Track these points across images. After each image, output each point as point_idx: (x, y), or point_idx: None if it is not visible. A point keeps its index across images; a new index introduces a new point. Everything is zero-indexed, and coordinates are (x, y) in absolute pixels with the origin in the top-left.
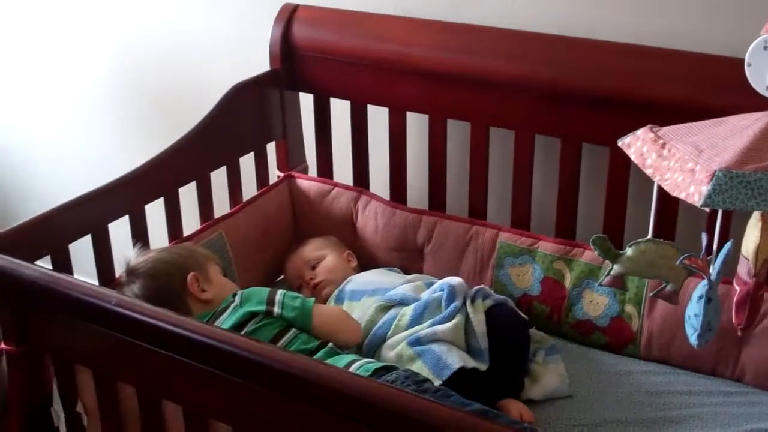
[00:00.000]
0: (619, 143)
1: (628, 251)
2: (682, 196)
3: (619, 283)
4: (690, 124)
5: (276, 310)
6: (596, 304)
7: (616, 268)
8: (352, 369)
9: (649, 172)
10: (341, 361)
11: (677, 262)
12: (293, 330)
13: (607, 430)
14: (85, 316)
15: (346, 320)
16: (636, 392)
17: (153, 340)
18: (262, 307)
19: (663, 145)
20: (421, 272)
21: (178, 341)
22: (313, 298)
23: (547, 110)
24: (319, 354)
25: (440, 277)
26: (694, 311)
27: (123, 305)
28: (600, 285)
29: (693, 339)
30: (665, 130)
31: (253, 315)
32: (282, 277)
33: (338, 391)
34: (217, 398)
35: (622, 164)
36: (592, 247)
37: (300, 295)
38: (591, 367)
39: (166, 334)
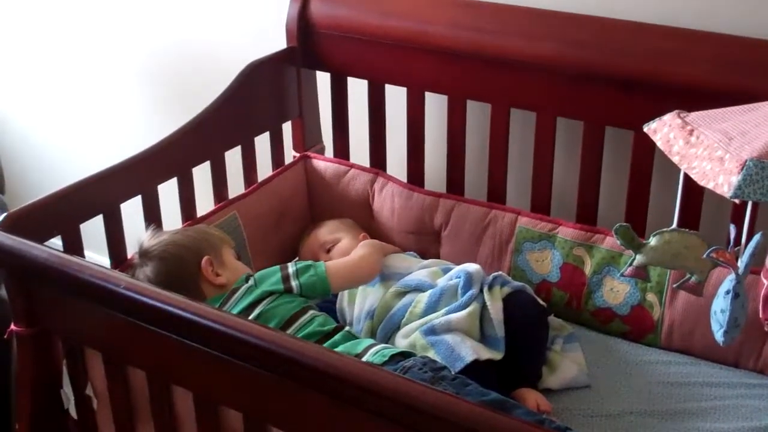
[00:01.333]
0: (645, 129)
1: (652, 241)
2: (710, 186)
3: (642, 273)
4: (719, 110)
5: (293, 284)
6: (617, 291)
7: (639, 259)
8: (368, 354)
9: (675, 159)
10: (358, 346)
11: (704, 256)
12: (311, 312)
13: (625, 421)
14: (95, 298)
15: (360, 268)
16: (656, 383)
17: (163, 325)
18: (279, 287)
19: (691, 132)
20: (437, 256)
21: (188, 326)
22: (322, 262)
23: (570, 92)
24: (336, 337)
25: (457, 262)
26: (720, 307)
27: (132, 289)
28: (622, 275)
29: (719, 336)
30: (693, 116)
31: (270, 294)
32: (296, 259)
33: (349, 381)
34: (228, 385)
35: (646, 149)
36: (614, 235)
37: (309, 261)
38: (610, 356)
39: (176, 318)
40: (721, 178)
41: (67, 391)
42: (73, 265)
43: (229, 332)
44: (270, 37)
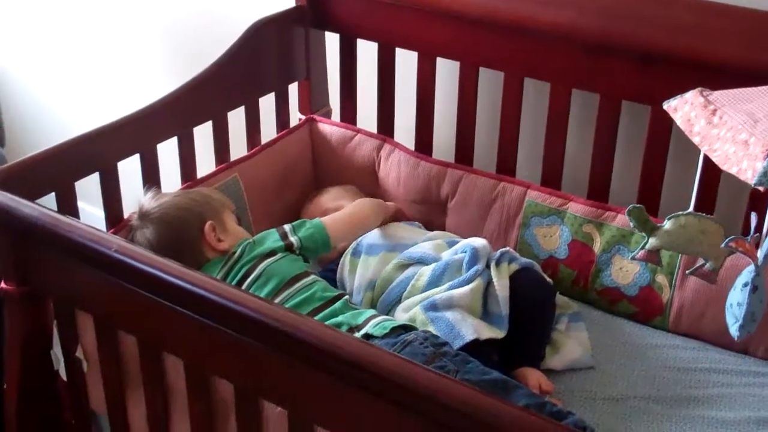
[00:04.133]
0: (665, 106)
1: (667, 224)
2: (733, 171)
3: (654, 257)
4: (745, 89)
5: (292, 239)
6: (626, 271)
7: (652, 242)
8: (369, 325)
9: (696, 140)
10: (359, 316)
11: (723, 245)
12: (312, 276)
13: (628, 405)
14: (86, 260)
15: (355, 216)
16: (661, 367)
17: (154, 291)
18: (279, 243)
19: (714, 112)
20: (443, 227)
21: (179, 293)
22: (318, 218)
23: (587, 63)
24: (336, 305)
25: (463, 234)
26: (737, 299)
27: (124, 252)
28: (633, 258)
29: (733, 330)
30: (717, 95)
31: (271, 252)
32: None
33: (344, 358)
34: (220, 355)
35: (663, 126)
36: (627, 217)
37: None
38: (616, 337)
39: (168, 285)
40: (745, 163)
41: (57, 352)
42: (65, 225)
43: (222, 302)
44: None
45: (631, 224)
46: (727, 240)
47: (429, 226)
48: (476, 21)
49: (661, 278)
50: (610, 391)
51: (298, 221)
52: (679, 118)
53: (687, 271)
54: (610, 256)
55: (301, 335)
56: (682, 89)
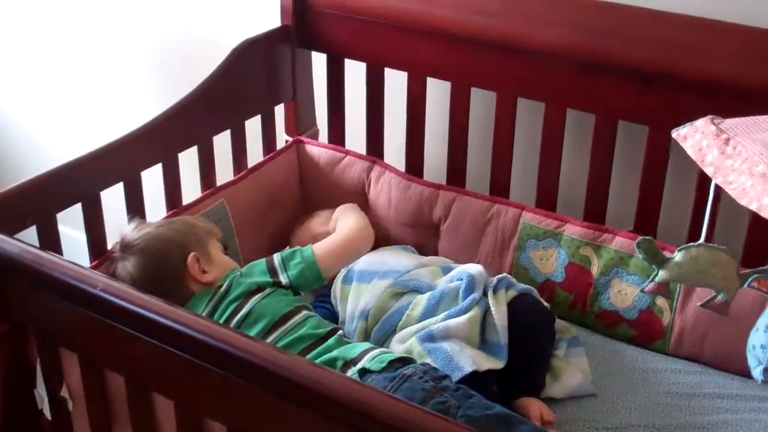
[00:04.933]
0: (674, 134)
1: (678, 256)
2: (753, 207)
3: (664, 290)
4: (759, 117)
5: (281, 277)
6: (625, 294)
7: (662, 274)
8: (365, 359)
9: (709, 171)
10: (353, 349)
11: (745, 285)
12: (304, 312)
13: None
14: (70, 299)
15: (349, 245)
16: (664, 393)
17: (143, 330)
18: (267, 278)
19: (727, 141)
20: (435, 250)
21: (169, 334)
22: (309, 246)
23: (582, 82)
24: (329, 341)
25: (456, 257)
26: (760, 341)
27: (110, 291)
28: (642, 291)
29: (757, 374)
30: (729, 123)
31: (258, 287)
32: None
33: (335, 399)
34: (212, 396)
35: (661, 146)
36: (636, 250)
37: (296, 247)
38: (615, 362)
39: (157, 325)
40: (766, 200)
41: (41, 390)
42: (46, 262)
43: (213, 343)
44: (264, 14)
45: (641, 257)
46: (749, 280)
47: (421, 250)
48: (468, 40)
49: (661, 301)
50: (613, 420)
51: (287, 251)
52: (689, 147)
53: (698, 303)
54: (609, 279)
55: (297, 379)
56: (681, 109)
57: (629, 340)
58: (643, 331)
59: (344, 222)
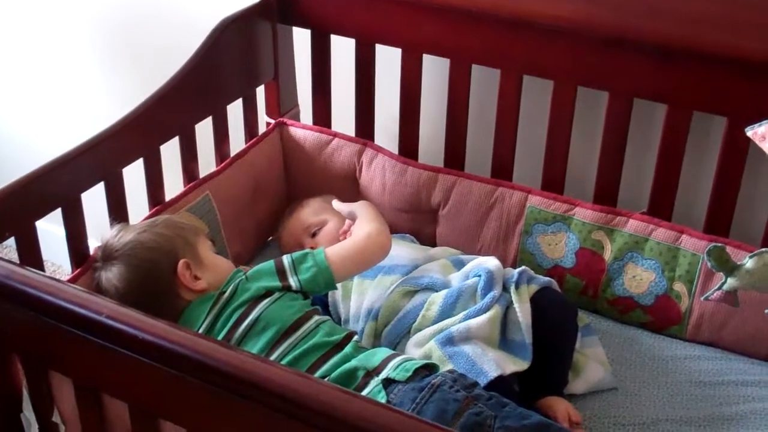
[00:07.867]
0: (749, 132)
1: (748, 263)
2: None
3: (731, 299)
4: None
5: (291, 280)
6: (640, 279)
7: (731, 282)
8: (388, 367)
9: None
10: (374, 357)
11: None
12: (316, 318)
13: (660, 430)
14: (67, 323)
15: (366, 253)
16: (687, 383)
17: (154, 358)
18: (276, 283)
19: None
20: (433, 236)
21: (188, 363)
22: (322, 249)
23: (594, 59)
24: (347, 350)
25: (456, 243)
26: None
27: (115, 317)
28: (706, 299)
29: None
30: None
31: (267, 292)
32: (272, 237)
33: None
34: (226, 423)
35: (679, 126)
36: (705, 257)
37: (306, 249)
38: (632, 350)
39: (172, 353)
40: None
41: (29, 415)
42: (19, 277)
43: (224, 368)
44: None
45: (709, 264)
46: None
47: (418, 236)
48: (470, 14)
49: (679, 286)
50: (639, 415)
51: (298, 253)
52: (767, 147)
53: (702, 297)
54: (623, 264)
55: (316, 406)
56: (701, 86)
57: (643, 325)
58: (659, 317)
59: (363, 226)
